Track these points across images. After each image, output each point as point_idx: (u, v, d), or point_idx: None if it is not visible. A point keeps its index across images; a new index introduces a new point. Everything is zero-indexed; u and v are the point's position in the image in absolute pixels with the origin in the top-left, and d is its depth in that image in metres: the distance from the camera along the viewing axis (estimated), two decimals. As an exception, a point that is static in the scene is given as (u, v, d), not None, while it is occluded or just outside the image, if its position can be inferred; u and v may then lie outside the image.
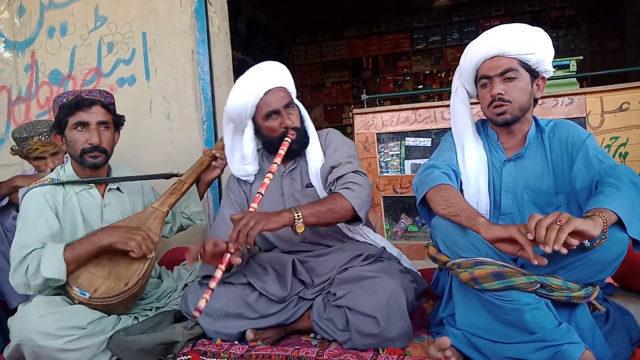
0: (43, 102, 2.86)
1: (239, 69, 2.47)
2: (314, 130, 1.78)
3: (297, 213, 1.46)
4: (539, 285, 1.26)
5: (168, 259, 2.14)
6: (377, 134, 2.80)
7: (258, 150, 1.80)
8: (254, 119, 1.69)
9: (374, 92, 6.82)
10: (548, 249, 1.07)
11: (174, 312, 1.68)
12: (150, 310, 1.70)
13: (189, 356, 1.47)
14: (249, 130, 1.70)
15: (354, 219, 1.61)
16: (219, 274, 1.33)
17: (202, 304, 1.26)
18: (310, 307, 1.61)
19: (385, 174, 2.82)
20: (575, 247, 1.09)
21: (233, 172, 1.80)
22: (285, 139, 1.64)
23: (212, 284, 1.30)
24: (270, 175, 1.54)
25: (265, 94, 1.65)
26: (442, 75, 6.80)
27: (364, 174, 1.68)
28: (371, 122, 2.80)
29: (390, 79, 7.08)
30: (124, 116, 1.83)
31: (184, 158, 2.25)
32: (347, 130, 6.83)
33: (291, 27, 6.91)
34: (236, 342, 1.56)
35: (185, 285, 1.81)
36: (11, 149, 2.13)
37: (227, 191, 1.83)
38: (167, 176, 1.97)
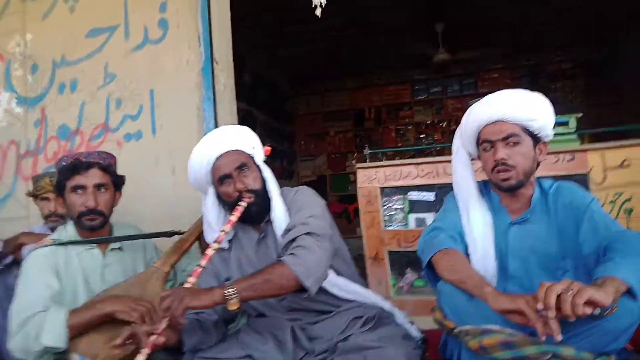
0: (50, 156, 2.90)
1: (244, 121, 2.50)
2: (277, 192, 1.67)
3: (230, 289, 1.37)
4: (550, 354, 1.22)
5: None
6: (380, 188, 2.81)
7: None
8: (215, 185, 1.67)
9: (377, 140, 6.93)
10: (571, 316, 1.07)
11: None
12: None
13: None
14: (210, 196, 1.68)
15: (303, 288, 1.46)
16: (141, 358, 1.29)
17: None
18: (313, 375, 1.56)
19: (390, 227, 2.81)
20: (586, 315, 1.07)
21: (207, 240, 1.72)
22: (240, 203, 1.58)
23: None
24: (215, 245, 1.49)
25: (217, 158, 1.62)
26: (444, 125, 6.91)
27: (319, 236, 1.53)
28: (374, 176, 2.81)
29: (393, 128, 7.20)
30: (124, 176, 1.85)
31: (188, 213, 2.25)
32: (351, 178, 6.89)
33: (294, 79, 7.11)
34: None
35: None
36: (29, 190, 2.29)
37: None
38: (169, 234, 1.97)
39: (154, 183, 2.65)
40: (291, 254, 1.47)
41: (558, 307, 1.08)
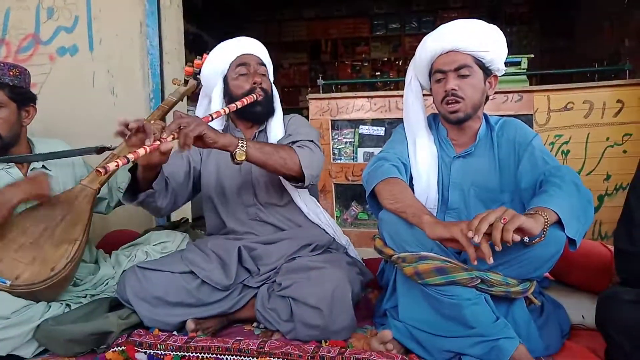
0: (-29, 67, 2.63)
1: (193, 44, 2.35)
2: (280, 107, 1.79)
3: (242, 142, 1.45)
4: (479, 280, 1.28)
5: (106, 242, 2.04)
6: (331, 120, 2.77)
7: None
8: (225, 79, 1.74)
9: (332, 76, 6.77)
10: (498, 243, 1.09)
11: (109, 299, 1.59)
12: (85, 297, 1.61)
13: (123, 347, 1.39)
14: (218, 88, 1.75)
15: (299, 178, 1.58)
16: (142, 151, 1.18)
17: (111, 165, 1.10)
18: (255, 296, 1.58)
19: (338, 161, 2.81)
20: (515, 242, 1.11)
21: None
22: (252, 94, 1.65)
23: (130, 156, 1.15)
24: (225, 109, 1.54)
25: (241, 55, 1.73)
26: (400, 63, 6.82)
27: (319, 147, 1.69)
28: (326, 108, 2.76)
29: (349, 63, 7.03)
30: (29, 91, 1.68)
31: (128, 136, 2.13)
32: (304, 113, 6.76)
33: (250, 4, 6.72)
34: (175, 332, 1.50)
35: (124, 272, 1.72)
36: None
37: None
38: (99, 150, 1.84)
39: (91, 102, 2.48)
40: (299, 146, 1.60)
41: (490, 234, 1.11)
